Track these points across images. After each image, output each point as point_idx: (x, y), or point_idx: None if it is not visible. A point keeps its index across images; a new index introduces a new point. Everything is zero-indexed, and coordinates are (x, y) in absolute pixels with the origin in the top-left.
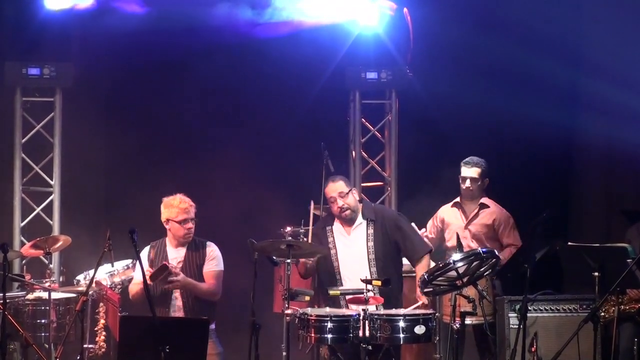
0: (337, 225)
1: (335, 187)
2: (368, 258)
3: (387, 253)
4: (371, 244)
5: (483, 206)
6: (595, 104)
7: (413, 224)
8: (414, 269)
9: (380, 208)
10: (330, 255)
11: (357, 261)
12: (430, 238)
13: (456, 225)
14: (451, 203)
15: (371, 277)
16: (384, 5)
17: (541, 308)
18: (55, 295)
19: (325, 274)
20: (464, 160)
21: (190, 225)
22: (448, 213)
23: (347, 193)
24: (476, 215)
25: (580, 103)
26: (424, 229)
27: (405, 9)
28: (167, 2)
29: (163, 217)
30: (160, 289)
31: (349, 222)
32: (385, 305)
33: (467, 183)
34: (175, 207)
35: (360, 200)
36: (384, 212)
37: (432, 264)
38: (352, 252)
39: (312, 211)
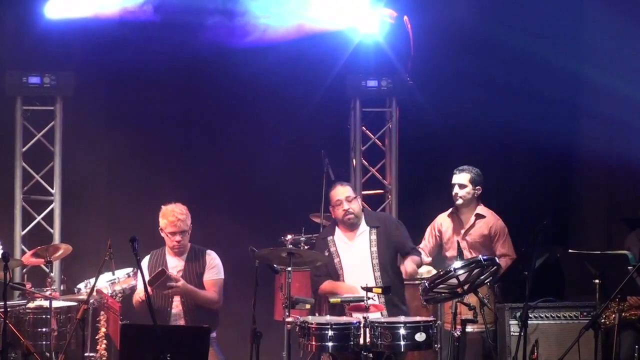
0: (338, 234)
1: (344, 191)
2: (372, 263)
3: (389, 258)
4: (374, 249)
5: (479, 216)
6: (596, 112)
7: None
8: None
9: (383, 215)
10: (334, 264)
11: (361, 266)
12: (429, 247)
13: (453, 235)
14: (447, 212)
15: (375, 282)
16: (385, 13)
17: (542, 315)
18: (56, 303)
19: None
20: (455, 169)
21: (179, 238)
22: (445, 222)
23: (354, 198)
24: (472, 225)
25: (581, 111)
26: (423, 244)
27: (405, 17)
28: (168, 11)
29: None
30: (162, 296)
31: (351, 227)
32: (388, 311)
33: (455, 189)
34: (165, 219)
35: (362, 209)
36: (387, 218)
37: (434, 271)
38: (356, 258)
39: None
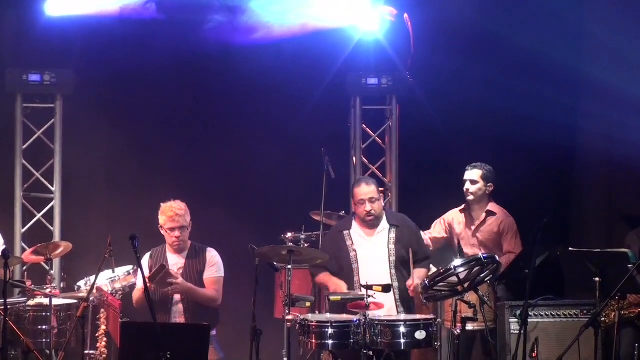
0: (356, 229)
1: (369, 191)
2: (389, 260)
3: (406, 258)
4: (392, 246)
5: (490, 213)
6: (596, 112)
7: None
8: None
9: (402, 216)
10: (349, 257)
11: (378, 262)
12: (434, 238)
13: (464, 232)
14: (459, 208)
15: (390, 279)
16: (385, 11)
17: (542, 313)
18: (56, 301)
19: (340, 277)
20: (468, 165)
21: (178, 233)
22: (457, 217)
23: (377, 199)
24: (483, 222)
25: (580, 111)
26: (428, 232)
27: (405, 15)
28: (168, 8)
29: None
30: (162, 294)
31: (371, 225)
32: (404, 308)
33: (467, 185)
34: (164, 215)
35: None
36: (407, 220)
37: (434, 269)
38: (373, 254)
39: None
